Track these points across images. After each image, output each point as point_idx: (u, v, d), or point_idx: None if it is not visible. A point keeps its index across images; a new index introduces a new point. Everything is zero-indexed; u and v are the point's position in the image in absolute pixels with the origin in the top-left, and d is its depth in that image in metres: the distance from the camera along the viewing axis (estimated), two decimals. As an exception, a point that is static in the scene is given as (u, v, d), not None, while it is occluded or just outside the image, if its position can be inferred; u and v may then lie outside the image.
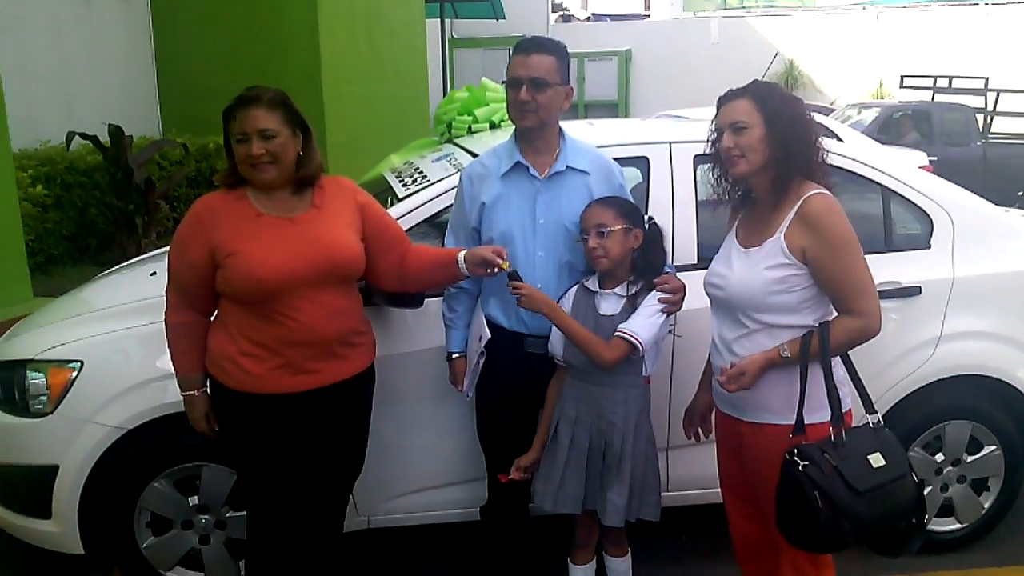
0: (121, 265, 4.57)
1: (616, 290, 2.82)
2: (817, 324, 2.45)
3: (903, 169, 3.65)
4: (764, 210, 2.54)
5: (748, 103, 2.47)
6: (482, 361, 2.98)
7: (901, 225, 3.60)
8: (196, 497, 3.25)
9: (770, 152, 2.45)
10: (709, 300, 2.69)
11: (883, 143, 10.23)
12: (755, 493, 2.66)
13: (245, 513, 2.90)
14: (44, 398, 3.16)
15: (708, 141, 2.62)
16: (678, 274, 2.91)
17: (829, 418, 2.43)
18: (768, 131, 2.44)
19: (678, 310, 2.85)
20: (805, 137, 2.48)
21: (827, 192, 2.46)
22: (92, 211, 8.24)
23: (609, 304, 2.81)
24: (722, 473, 2.84)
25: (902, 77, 14.04)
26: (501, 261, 2.73)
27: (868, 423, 2.48)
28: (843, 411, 2.45)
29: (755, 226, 2.56)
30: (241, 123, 2.58)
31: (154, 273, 3.61)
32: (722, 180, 2.65)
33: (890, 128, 11.87)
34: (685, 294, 2.83)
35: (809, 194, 2.43)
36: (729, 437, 2.69)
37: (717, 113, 2.55)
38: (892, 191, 3.55)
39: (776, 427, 2.49)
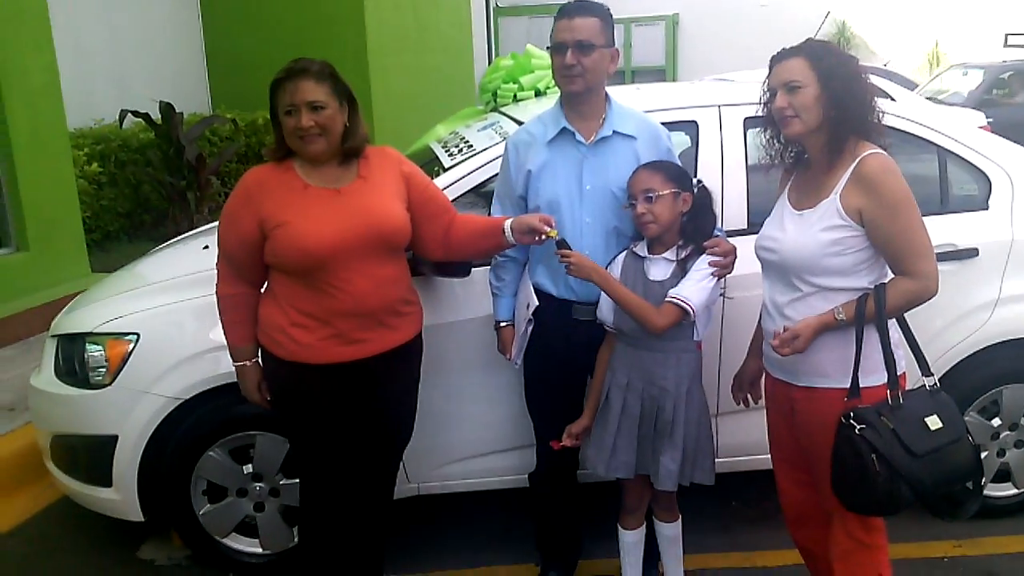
0: (174, 240, 4.65)
1: (665, 255, 2.78)
2: (872, 286, 2.40)
3: (960, 128, 3.55)
4: (818, 171, 2.48)
5: (802, 62, 2.40)
6: (530, 329, 2.97)
7: (958, 186, 3.51)
8: (250, 465, 3.31)
9: (825, 112, 2.38)
10: (760, 264, 2.64)
11: (993, 103, 9.91)
12: (806, 458, 2.63)
13: (298, 481, 2.94)
14: (103, 370, 3.23)
15: (760, 102, 2.56)
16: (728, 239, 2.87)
17: (884, 381, 2.38)
18: (823, 90, 2.37)
19: (729, 273, 2.81)
20: (861, 96, 2.41)
21: (883, 152, 2.40)
22: (146, 188, 8.37)
23: (659, 269, 2.78)
24: (772, 439, 2.80)
25: (1006, 35, 13.43)
26: (548, 229, 2.70)
27: (924, 386, 2.43)
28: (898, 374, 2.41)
29: (809, 188, 2.50)
30: (290, 95, 2.58)
31: (206, 247, 3.65)
32: (774, 142, 2.60)
33: (998, 88, 11.50)
34: (736, 256, 2.79)
35: (865, 154, 2.37)
36: (780, 402, 2.66)
37: (770, 73, 2.48)
38: (948, 151, 3.46)
39: (830, 391, 2.45)
